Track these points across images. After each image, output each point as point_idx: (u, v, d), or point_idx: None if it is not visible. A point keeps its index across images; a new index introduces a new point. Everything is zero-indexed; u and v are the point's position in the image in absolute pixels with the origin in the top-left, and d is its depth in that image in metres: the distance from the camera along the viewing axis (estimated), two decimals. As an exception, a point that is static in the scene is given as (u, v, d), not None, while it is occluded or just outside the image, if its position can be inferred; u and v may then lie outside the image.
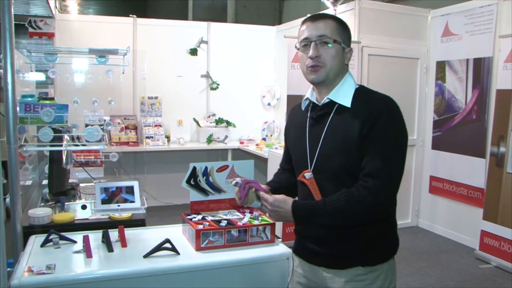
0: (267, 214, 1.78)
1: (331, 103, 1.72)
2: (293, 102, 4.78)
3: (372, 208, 1.62)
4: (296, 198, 1.87)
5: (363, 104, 1.66)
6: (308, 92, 1.82)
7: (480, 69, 4.84)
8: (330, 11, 5.17)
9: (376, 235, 1.70)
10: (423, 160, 5.60)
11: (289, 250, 1.96)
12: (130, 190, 2.56)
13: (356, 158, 1.63)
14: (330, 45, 1.68)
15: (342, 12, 5.25)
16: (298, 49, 1.76)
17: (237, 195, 1.86)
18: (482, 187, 4.75)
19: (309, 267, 1.81)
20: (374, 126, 1.60)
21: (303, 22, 1.76)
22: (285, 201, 1.71)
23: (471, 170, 4.93)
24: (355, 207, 1.61)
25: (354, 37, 4.92)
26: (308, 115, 1.80)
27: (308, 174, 1.74)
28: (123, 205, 2.51)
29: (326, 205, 1.63)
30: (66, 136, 2.65)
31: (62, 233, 2.04)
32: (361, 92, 1.72)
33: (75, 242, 2.03)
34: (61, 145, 2.58)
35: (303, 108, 1.85)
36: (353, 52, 1.77)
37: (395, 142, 1.64)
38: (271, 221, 2.05)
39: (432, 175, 5.49)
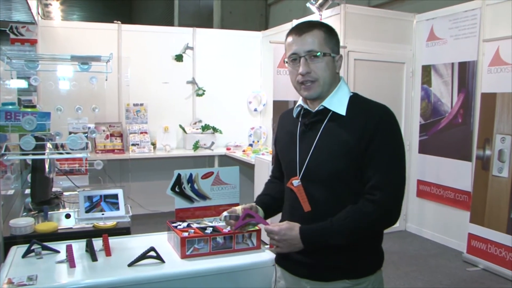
0: (275, 247, 1.71)
1: (325, 110, 1.70)
2: (280, 107, 4.81)
3: (381, 221, 1.63)
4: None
5: (359, 113, 1.65)
6: (301, 99, 1.79)
7: (465, 73, 4.89)
8: (315, 16, 5.20)
9: (363, 247, 1.68)
10: (410, 164, 5.63)
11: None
12: (115, 198, 2.55)
13: (349, 165, 1.62)
14: (319, 59, 1.65)
15: (327, 17, 5.28)
16: (286, 63, 1.72)
17: (228, 223, 1.83)
18: (469, 190, 4.79)
19: (291, 278, 1.76)
20: (374, 138, 1.59)
21: (289, 34, 1.71)
22: (291, 227, 1.66)
23: (458, 174, 4.97)
24: (364, 223, 1.60)
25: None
26: (300, 121, 1.78)
27: (295, 182, 1.71)
28: (107, 214, 2.49)
29: (333, 224, 1.61)
30: (48, 144, 2.63)
31: (45, 243, 2.02)
32: (356, 100, 1.71)
33: (58, 252, 2.00)
34: (44, 154, 2.56)
35: (294, 115, 1.82)
36: (343, 58, 1.74)
37: (396, 153, 1.64)
38: (257, 228, 2.05)
39: (419, 179, 5.53)
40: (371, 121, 1.61)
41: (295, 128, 1.79)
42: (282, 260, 1.81)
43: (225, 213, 1.82)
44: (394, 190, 1.61)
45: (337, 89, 1.71)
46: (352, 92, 1.74)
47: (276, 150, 1.96)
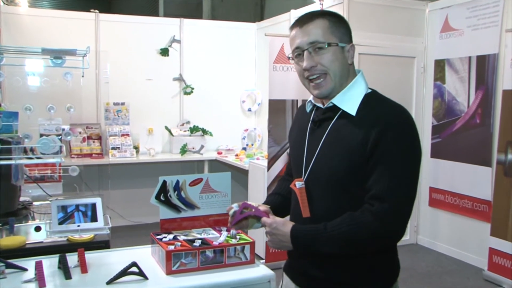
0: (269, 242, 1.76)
1: (335, 107, 1.69)
2: (276, 107, 4.80)
3: (379, 236, 1.58)
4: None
5: (369, 114, 1.62)
6: None
7: (484, 67, 4.90)
8: (316, 6, 5.20)
9: (378, 259, 1.67)
10: (422, 169, 5.62)
11: (271, 272, 1.93)
12: (92, 208, 2.53)
13: (351, 171, 1.60)
14: (325, 50, 1.64)
15: (329, 7, 5.28)
16: (291, 59, 1.74)
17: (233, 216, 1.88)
18: (489, 199, 4.79)
19: None
20: (380, 142, 1.56)
21: (292, 27, 1.73)
22: (285, 223, 1.69)
23: (476, 181, 4.97)
24: (359, 234, 1.57)
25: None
26: (311, 118, 1.80)
27: (299, 183, 1.73)
28: (83, 225, 2.46)
29: (327, 229, 1.59)
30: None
31: (10, 260, 1.98)
32: (371, 99, 1.68)
33: (25, 269, 1.97)
34: (10, 159, 2.53)
35: (307, 110, 1.84)
36: (355, 48, 1.71)
37: (405, 160, 1.58)
38: (251, 240, 2.03)
39: (432, 186, 5.53)
40: (380, 123, 1.58)
41: (307, 124, 1.81)
42: (290, 270, 1.85)
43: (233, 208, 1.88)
44: (397, 203, 1.56)
45: (351, 85, 1.69)
46: (370, 89, 1.72)
47: (289, 145, 2.01)
